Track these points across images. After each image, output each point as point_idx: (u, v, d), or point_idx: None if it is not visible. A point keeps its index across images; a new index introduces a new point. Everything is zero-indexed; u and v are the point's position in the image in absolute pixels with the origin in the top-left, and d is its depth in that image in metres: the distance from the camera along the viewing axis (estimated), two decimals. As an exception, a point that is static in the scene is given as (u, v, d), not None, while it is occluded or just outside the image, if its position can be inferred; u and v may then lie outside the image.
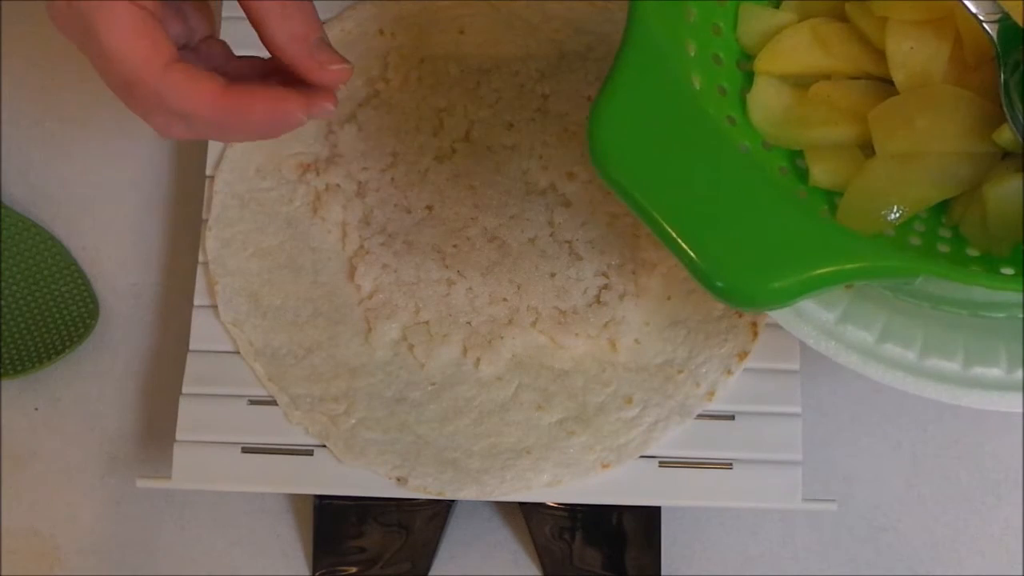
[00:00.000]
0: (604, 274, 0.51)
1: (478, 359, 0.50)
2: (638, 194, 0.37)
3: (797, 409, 0.49)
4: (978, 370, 0.42)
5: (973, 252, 0.43)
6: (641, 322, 0.51)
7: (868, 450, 0.54)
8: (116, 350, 0.56)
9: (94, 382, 0.55)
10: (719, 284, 0.36)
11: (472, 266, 0.51)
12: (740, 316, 0.50)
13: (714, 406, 0.50)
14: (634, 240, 0.51)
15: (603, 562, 0.51)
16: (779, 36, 0.46)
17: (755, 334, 0.50)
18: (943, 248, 0.44)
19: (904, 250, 0.42)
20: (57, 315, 0.55)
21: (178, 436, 0.50)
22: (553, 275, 0.51)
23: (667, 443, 0.49)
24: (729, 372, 0.50)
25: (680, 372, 0.50)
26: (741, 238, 0.36)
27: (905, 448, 0.54)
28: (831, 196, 0.45)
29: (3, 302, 0.55)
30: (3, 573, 0.53)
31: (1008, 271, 0.42)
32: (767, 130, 0.46)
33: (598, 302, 0.51)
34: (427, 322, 0.51)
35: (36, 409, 0.55)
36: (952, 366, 0.43)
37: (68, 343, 0.54)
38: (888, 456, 0.54)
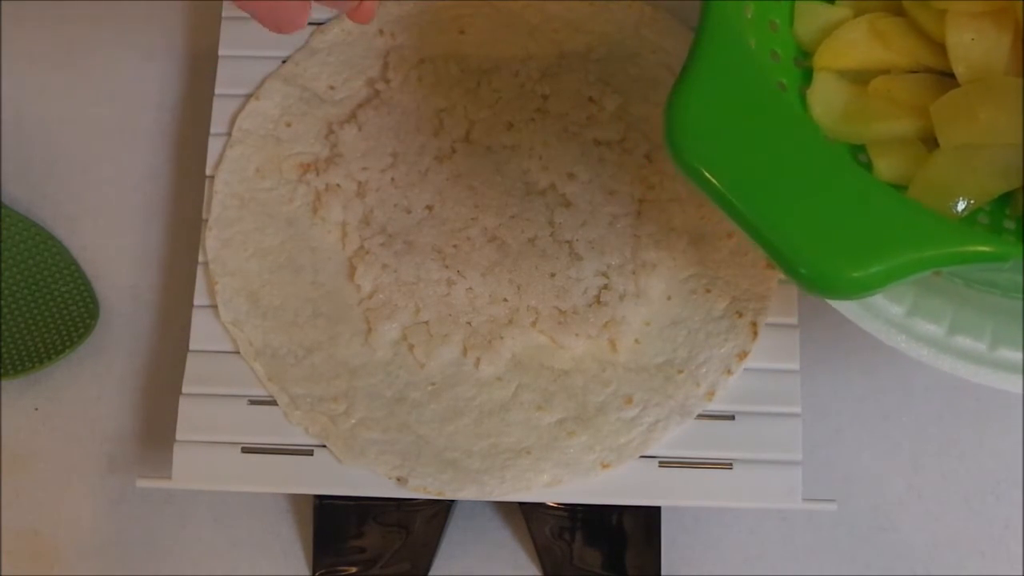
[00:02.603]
0: (604, 274, 0.51)
1: (478, 359, 0.50)
2: (719, 182, 0.36)
3: (797, 409, 0.49)
4: None
5: None
6: (641, 322, 0.51)
7: (868, 450, 0.54)
8: (116, 350, 0.56)
9: (94, 382, 0.55)
10: (803, 271, 0.35)
11: (472, 266, 0.51)
12: (740, 316, 0.50)
13: (714, 406, 0.50)
14: (634, 240, 0.51)
15: (603, 562, 0.51)
16: (837, 32, 0.46)
17: (755, 334, 0.50)
18: (1008, 240, 0.43)
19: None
20: (57, 315, 0.55)
21: (178, 436, 0.50)
22: (553, 275, 0.51)
23: (667, 443, 0.49)
24: (729, 372, 0.50)
25: (680, 372, 0.50)
26: (825, 224, 0.36)
27: (905, 448, 0.54)
28: (897, 190, 0.45)
29: (3, 302, 0.55)
30: (3, 573, 0.53)
31: None
32: (828, 125, 0.46)
33: (598, 302, 0.51)
34: (427, 322, 0.51)
35: (36, 409, 0.55)
36: (1021, 356, 0.42)
37: (68, 343, 0.54)
38: (888, 456, 0.54)
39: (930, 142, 0.45)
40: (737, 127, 0.37)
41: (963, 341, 0.42)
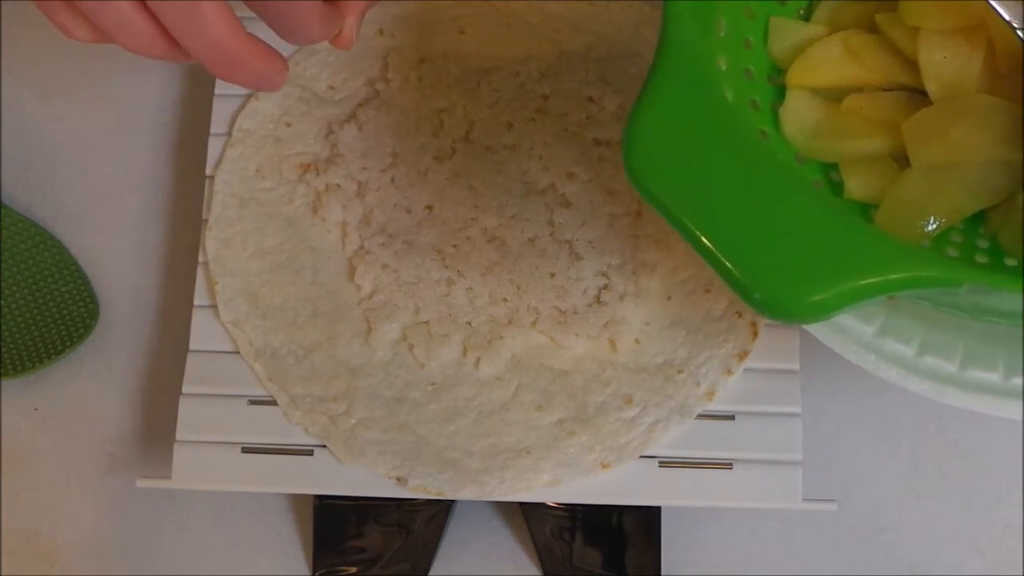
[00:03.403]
0: (604, 274, 0.51)
1: (478, 359, 0.50)
2: (674, 207, 0.36)
3: (797, 409, 0.49)
4: (1017, 380, 0.42)
5: (1011, 262, 0.43)
6: (641, 322, 0.51)
7: (868, 450, 0.54)
8: (116, 350, 0.56)
9: (94, 382, 0.55)
10: (758, 296, 0.35)
11: (472, 266, 0.51)
12: (740, 316, 0.50)
13: (714, 406, 0.50)
14: (634, 240, 0.51)
15: (603, 562, 0.51)
16: (810, 49, 0.46)
17: (755, 334, 0.50)
18: (981, 259, 0.43)
19: (948, 259, 0.41)
20: (57, 315, 0.55)
21: (178, 436, 0.50)
22: (553, 275, 0.51)
23: (667, 443, 0.49)
24: (729, 372, 0.50)
25: (680, 372, 0.50)
26: (781, 249, 0.36)
27: (905, 448, 0.54)
28: (866, 209, 0.45)
29: (3, 302, 0.55)
30: (3, 573, 0.53)
31: None
32: (800, 143, 0.46)
33: (598, 302, 0.51)
34: (427, 322, 0.51)
35: (36, 409, 0.55)
36: (993, 377, 0.42)
37: (68, 343, 0.54)
38: (888, 456, 0.54)
39: (902, 160, 0.45)
40: (694, 151, 0.37)
41: (932, 361, 0.42)
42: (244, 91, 0.54)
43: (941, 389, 0.42)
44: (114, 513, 0.54)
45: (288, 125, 0.54)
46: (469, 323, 0.51)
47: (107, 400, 0.55)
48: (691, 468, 0.49)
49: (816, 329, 0.43)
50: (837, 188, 0.45)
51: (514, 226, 0.52)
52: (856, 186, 0.45)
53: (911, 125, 0.44)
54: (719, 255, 0.35)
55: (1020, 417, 0.41)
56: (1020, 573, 0.52)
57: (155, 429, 0.55)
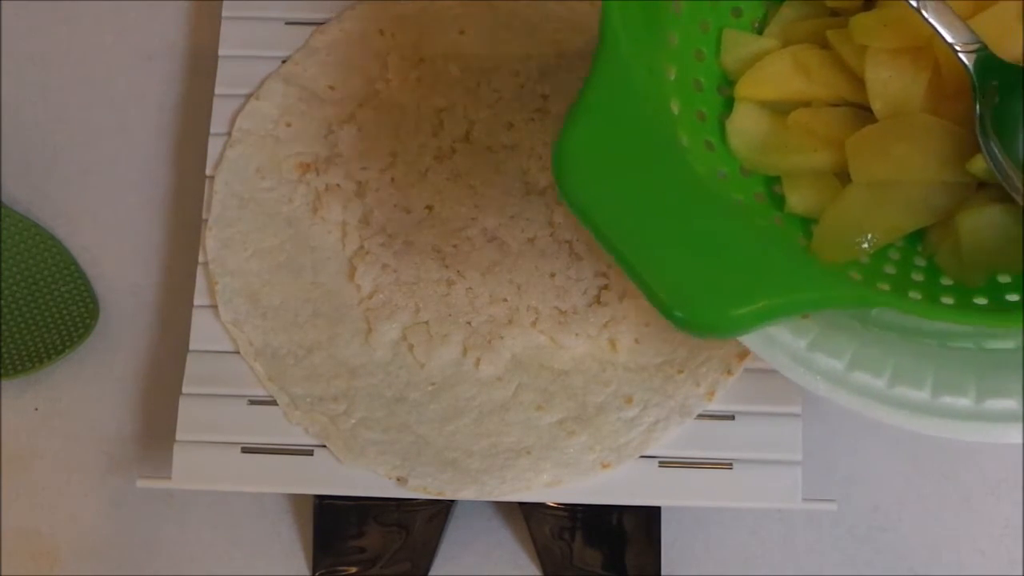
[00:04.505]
0: (604, 274, 0.51)
1: (478, 359, 0.50)
2: (600, 221, 0.36)
3: (797, 409, 0.49)
4: (947, 399, 0.42)
5: (947, 281, 0.43)
6: (641, 322, 0.51)
7: (868, 450, 0.54)
8: (116, 350, 0.56)
9: (94, 382, 0.55)
10: (678, 314, 0.35)
11: (472, 266, 0.51)
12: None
13: (714, 406, 0.50)
14: (634, 240, 0.51)
15: (603, 562, 0.51)
16: (760, 62, 0.46)
17: (755, 334, 0.50)
18: (917, 277, 0.43)
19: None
20: (57, 315, 0.55)
21: (178, 436, 0.50)
22: (553, 275, 0.51)
23: (667, 443, 0.49)
24: (729, 372, 0.50)
25: (680, 372, 0.50)
26: (700, 268, 0.36)
27: (905, 448, 0.54)
28: (807, 223, 0.45)
29: (3, 302, 0.55)
30: (3, 573, 0.53)
31: (981, 301, 0.42)
32: (745, 156, 0.46)
33: (598, 302, 0.51)
34: (427, 322, 0.51)
35: (36, 409, 0.55)
36: (921, 395, 0.42)
37: (68, 343, 0.54)
38: (888, 456, 0.54)
39: (844, 176, 0.45)
40: (621, 168, 0.38)
41: (861, 377, 0.42)
42: (244, 91, 0.54)
43: (869, 404, 0.42)
44: (114, 513, 0.54)
45: (288, 125, 0.54)
46: (469, 323, 0.51)
47: (107, 400, 0.55)
48: (691, 468, 0.49)
49: (749, 340, 0.43)
50: (780, 201, 0.45)
51: (514, 226, 0.52)
52: (797, 200, 0.45)
53: (854, 142, 0.44)
54: (640, 271, 0.36)
55: (948, 436, 0.42)
56: (1020, 573, 0.52)
57: (155, 429, 0.55)
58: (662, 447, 0.49)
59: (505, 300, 0.51)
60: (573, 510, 0.51)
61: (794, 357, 0.42)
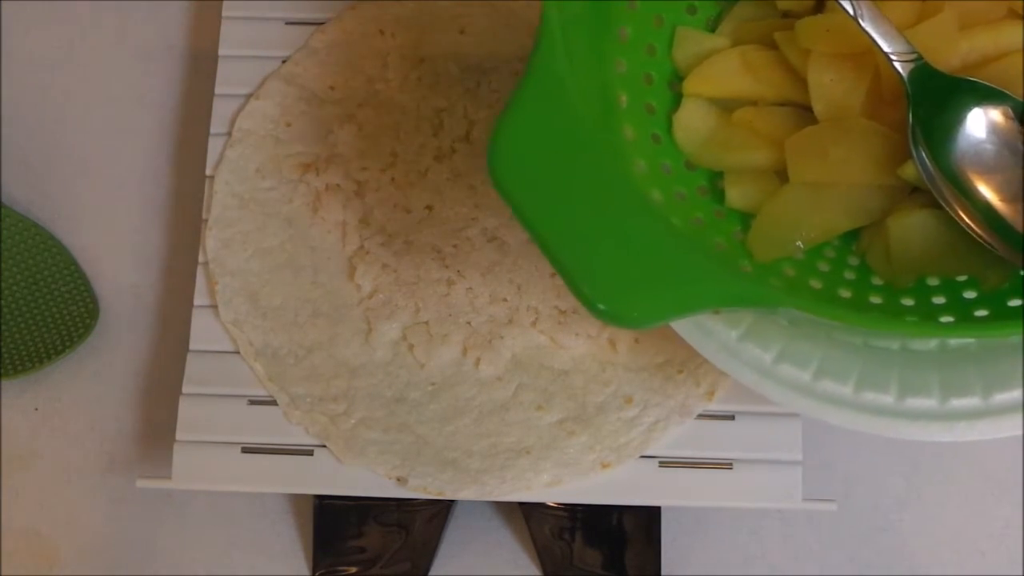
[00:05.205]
0: (604, 274, 0.51)
1: (478, 359, 0.50)
2: (528, 212, 0.37)
3: (797, 409, 0.49)
4: (870, 396, 0.42)
5: (878, 281, 0.44)
6: (641, 322, 0.51)
7: (868, 450, 0.54)
8: (116, 350, 0.56)
9: (94, 382, 0.55)
10: (601, 307, 0.36)
11: (472, 266, 0.51)
12: (740, 316, 0.50)
13: (714, 406, 0.50)
14: (634, 240, 0.51)
15: (603, 562, 0.51)
16: (709, 60, 0.47)
17: (755, 334, 0.50)
18: (849, 276, 0.44)
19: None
20: (57, 315, 0.55)
21: (178, 436, 0.50)
22: (553, 275, 0.51)
23: (667, 443, 0.49)
24: (729, 372, 0.50)
25: (680, 372, 0.50)
26: (617, 263, 0.37)
27: (905, 448, 0.54)
28: (747, 219, 0.46)
29: (3, 302, 0.55)
30: (3, 573, 0.53)
31: (908, 302, 0.43)
32: (690, 150, 0.46)
33: (598, 302, 0.51)
34: (427, 322, 0.51)
35: (36, 409, 0.55)
36: (845, 391, 0.43)
37: (68, 343, 0.54)
38: (888, 456, 0.54)
39: (785, 175, 0.46)
40: (551, 162, 0.38)
41: (788, 370, 0.43)
42: (244, 91, 0.54)
43: (795, 398, 0.43)
44: (114, 513, 0.54)
45: (288, 125, 0.54)
46: (469, 323, 0.51)
47: (107, 400, 0.55)
48: (691, 468, 0.49)
49: (681, 327, 0.44)
50: (721, 196, 0.46)
51: (514, 226, 0.52)
52: (736, 196, 0.46)
53: (794, 142, 0.45)
54: (565, 263, 0.37)
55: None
56: (1020, 573, 0.52)
57: (155, 429, 0.55)
58: (662, 447, 0.49)
59: (505, 300, 0.51)
60: (573, 510, 0.51)
61: (725, 347, 0.43)
